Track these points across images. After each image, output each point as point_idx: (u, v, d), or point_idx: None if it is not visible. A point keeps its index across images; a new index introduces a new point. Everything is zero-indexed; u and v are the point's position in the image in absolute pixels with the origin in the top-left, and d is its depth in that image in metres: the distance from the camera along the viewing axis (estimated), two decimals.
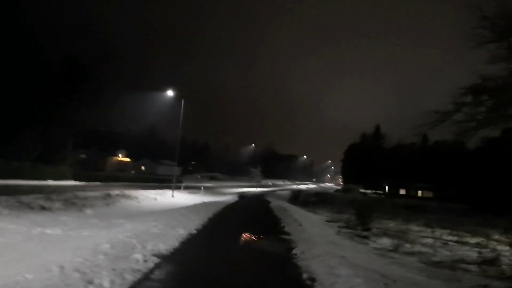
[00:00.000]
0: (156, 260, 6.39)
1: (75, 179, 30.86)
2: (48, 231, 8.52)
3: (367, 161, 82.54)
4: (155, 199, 23.09)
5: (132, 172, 65.31)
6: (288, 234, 11.44)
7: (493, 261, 10.50)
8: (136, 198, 21.22)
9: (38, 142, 30.07)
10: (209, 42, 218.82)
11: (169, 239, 8.19)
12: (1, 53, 29.97)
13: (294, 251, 8.62)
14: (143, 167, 75.13)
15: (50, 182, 26.63)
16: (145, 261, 6.14)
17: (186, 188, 35.14)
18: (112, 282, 4.80)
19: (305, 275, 6.43)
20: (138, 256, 6.25)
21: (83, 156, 42.16)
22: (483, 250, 12.45)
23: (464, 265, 9.89)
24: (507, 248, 12.89)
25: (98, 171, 43.83)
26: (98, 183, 31.07)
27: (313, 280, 6.06)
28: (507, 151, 31.06)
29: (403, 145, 76.96)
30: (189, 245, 8.45)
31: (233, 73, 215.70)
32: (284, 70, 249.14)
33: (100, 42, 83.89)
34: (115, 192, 20.65)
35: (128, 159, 75.37)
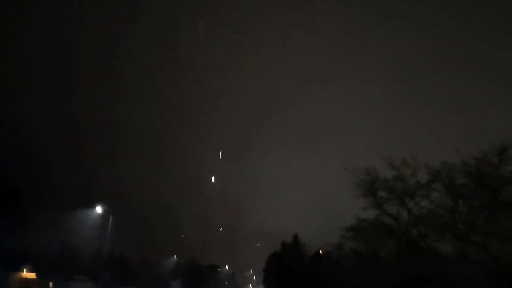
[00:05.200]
0: None
1: None
2: None
3: (288, 270, 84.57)
4: None
5: None
6: None
7: None
8: None
9: None
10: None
11: None
12: None
13: None
14: (51, 284, 67.96)
15: None
16: None
17: None
18: None
19: None
20: None
21: None
22: None
23: None
24: None
25: None
26: None
27: None
28: None
29: (321, 253, 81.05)
30: None
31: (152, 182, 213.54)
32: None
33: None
34: None
35: (33, 275, 67.91)
